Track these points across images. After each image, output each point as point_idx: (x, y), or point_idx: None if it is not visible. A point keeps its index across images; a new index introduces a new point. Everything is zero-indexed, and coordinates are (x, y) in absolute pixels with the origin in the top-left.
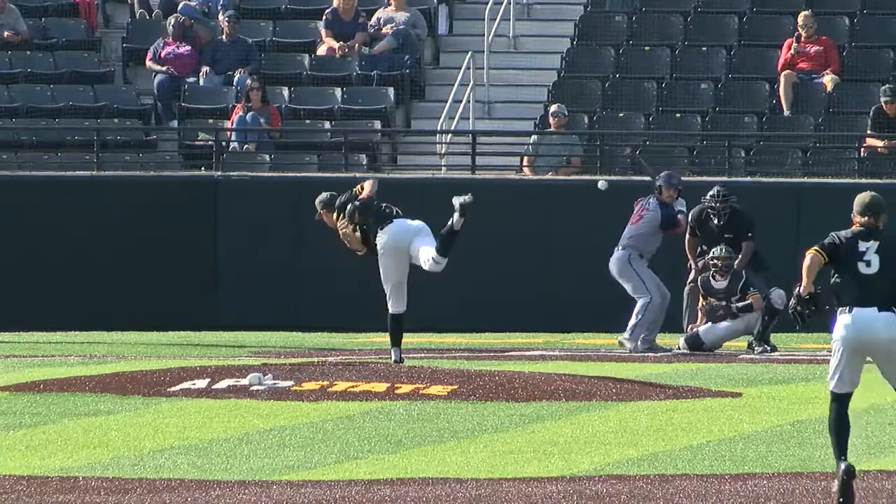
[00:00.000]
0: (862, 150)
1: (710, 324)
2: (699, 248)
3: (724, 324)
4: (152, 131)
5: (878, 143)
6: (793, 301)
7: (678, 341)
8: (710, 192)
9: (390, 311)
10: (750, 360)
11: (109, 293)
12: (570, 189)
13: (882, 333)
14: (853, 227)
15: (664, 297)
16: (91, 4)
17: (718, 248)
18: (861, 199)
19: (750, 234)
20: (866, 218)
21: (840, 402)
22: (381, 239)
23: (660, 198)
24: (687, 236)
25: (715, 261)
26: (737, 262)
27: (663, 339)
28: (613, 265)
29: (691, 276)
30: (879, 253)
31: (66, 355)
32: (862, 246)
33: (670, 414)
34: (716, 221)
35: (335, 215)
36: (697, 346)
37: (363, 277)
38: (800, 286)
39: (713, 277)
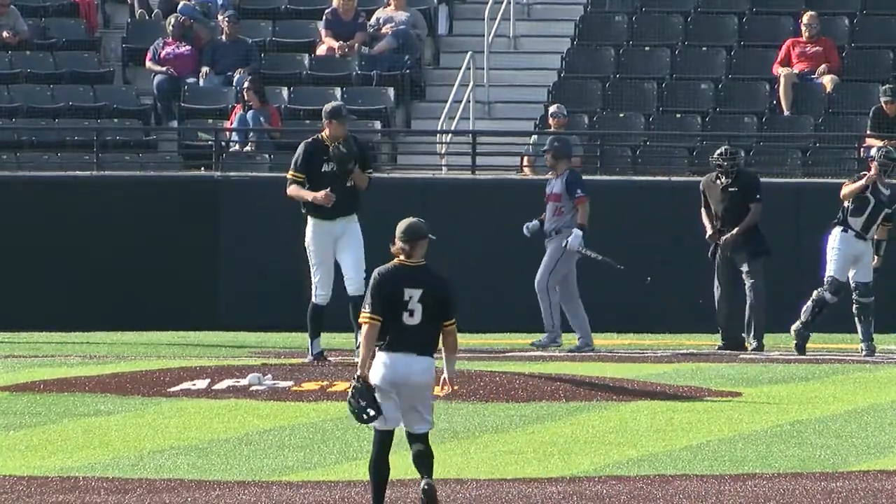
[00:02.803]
0: (861, 150)
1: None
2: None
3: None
4: (152, 131)
5: (878, 142)
6: (354, 386)
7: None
8: (717, 151)
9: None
10: (750, 359)
11: (109, 293)
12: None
13: (418, 377)
14: (397, 261)
15: (540, 289)
16: (91, 4)
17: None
18: (403, 223)
19: (758, 197)
20: (405, 244)
21: (387, 440)
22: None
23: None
24: (702, 209)
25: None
26: (743, 224)
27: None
28: None
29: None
30: (422, 303)
31: (66, 355)
32: (407, 294)
33: (670, 414)
34: (723, 179)
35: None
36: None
37: (366, 277)
38: (360, 370)
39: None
